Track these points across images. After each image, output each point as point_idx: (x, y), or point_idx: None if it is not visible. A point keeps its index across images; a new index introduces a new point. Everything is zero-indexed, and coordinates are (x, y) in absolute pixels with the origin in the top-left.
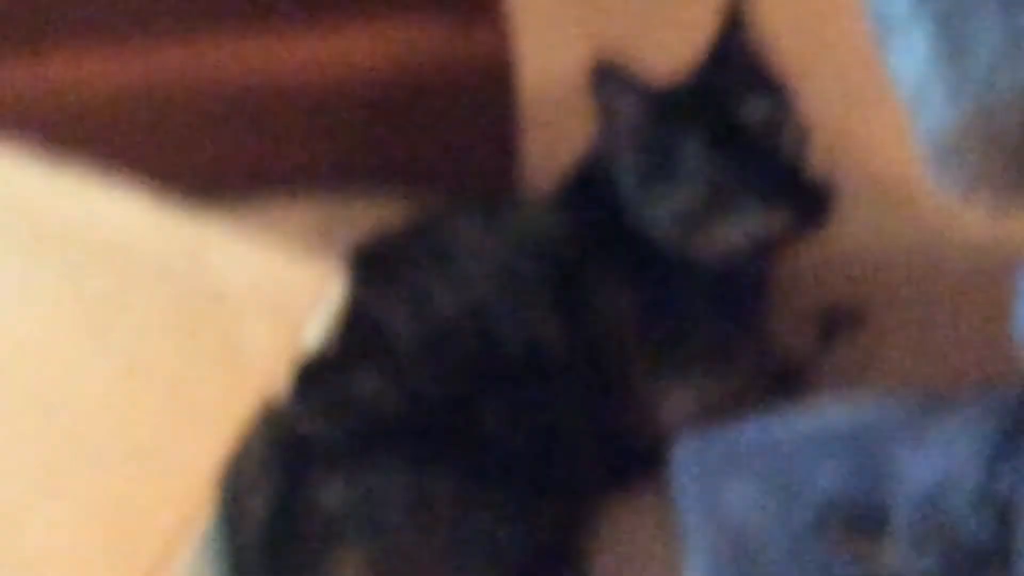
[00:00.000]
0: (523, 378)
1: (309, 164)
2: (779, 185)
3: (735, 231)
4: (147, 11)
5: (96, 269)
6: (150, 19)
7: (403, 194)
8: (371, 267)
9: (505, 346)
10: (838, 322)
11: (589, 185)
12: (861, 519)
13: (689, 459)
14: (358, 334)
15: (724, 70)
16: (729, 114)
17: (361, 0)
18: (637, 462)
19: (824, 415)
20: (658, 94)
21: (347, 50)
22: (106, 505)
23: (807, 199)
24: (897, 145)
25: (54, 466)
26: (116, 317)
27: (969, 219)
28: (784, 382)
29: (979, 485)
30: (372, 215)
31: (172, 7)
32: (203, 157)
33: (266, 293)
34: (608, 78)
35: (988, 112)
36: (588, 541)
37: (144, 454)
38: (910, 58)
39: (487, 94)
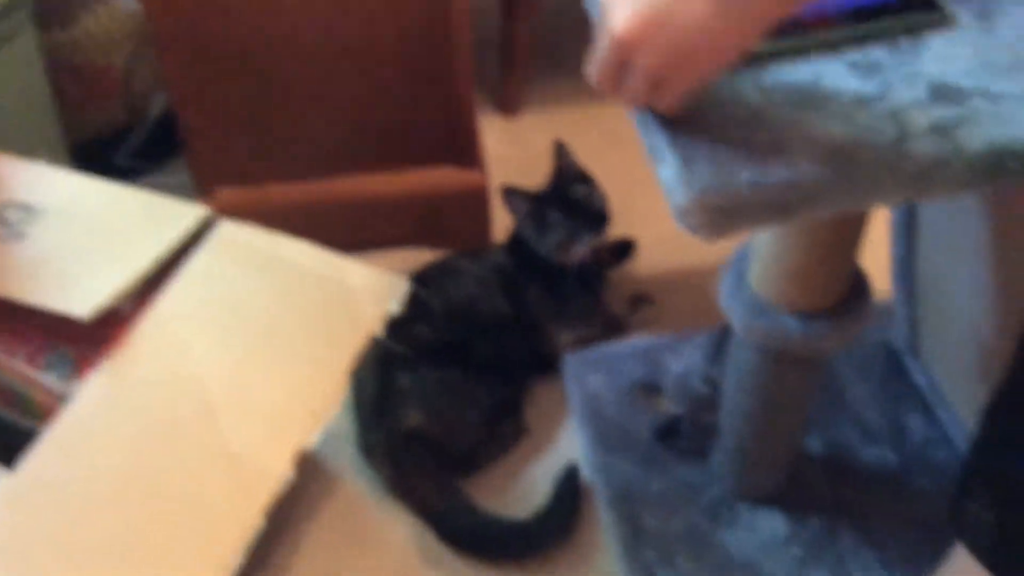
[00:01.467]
0: (491, 327)
1: (384, 238)
2: (596, 224)
3: (581, 247)
4: (314, 163)
5: (290, 279)
6: (316, 166)
7: (430, 251)
8: (421, 279)
9: (484, 314)
10: (639, 301)
11: (516, 242)
12: (650, 387)
13: (572, 364)
14: (415, 309)
15: (561, 176)
16: (568, 196)
17: (408, 156)
18: (547, 365)
19: (632, 343)
20: (534, 196)
21: (401, 183)
22: (287, 389)
23: (605, 223)
24: (662, 224)
25: (255, 361)
26: (299, 303)
27: (702, 249)
28: (614, 330)
29: (703, 371)
30: (412, 261)
31: (326, 161)
32: (337, 235)
33: (372, 289)
34: (510, 193)
35: (703, 196)
36: (523, 403)
37: (312, 364)
38: (665, 168)
39: (474, 205)
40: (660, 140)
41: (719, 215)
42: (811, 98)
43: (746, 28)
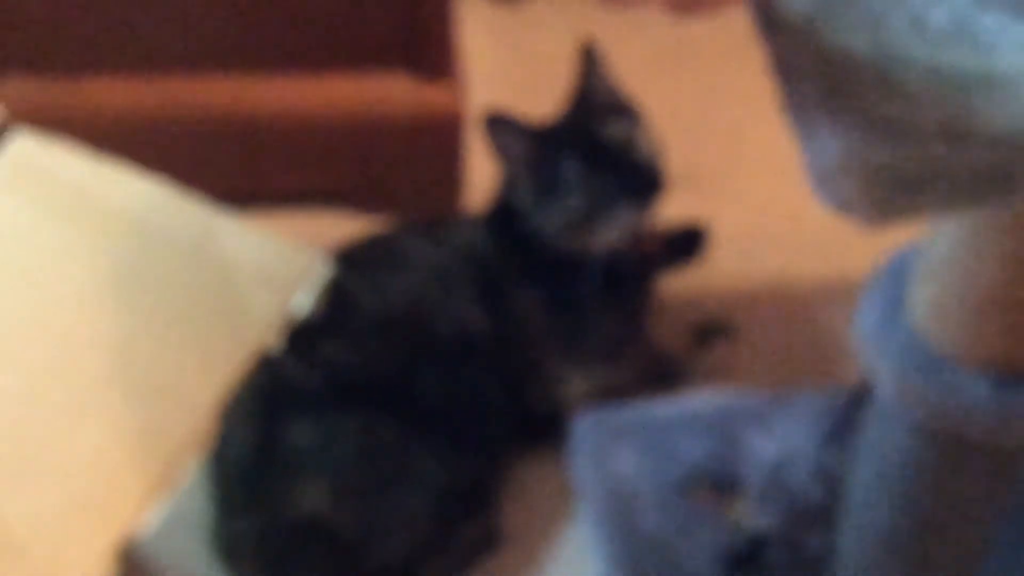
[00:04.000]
0: (453, 354)
1: (288, 189)
2: (643, 187)
3: (613, 226)
4: (171, 47)
5: (125, 238)
6: (174, 53)
7: (368, 213)
8: (347, 264)
9: (440, 329)
10: (710, 331)
11: (503, 210)
12: (719, 482)
13: (585, 430)
14: (335, 312)
15: (586, 103)
16: (594, 138)
17: (333, 53)
18: (540, 429)
19: (692, 402)
20: (539, 131)
21: (318, 97)
22: (127, 427)
23: (657, 187)
24: (757, 199)
25: (52, 388)
26: (141, 281)
27: (816, 254)
28: (663, 377)
29: (814, 462)
30: (331, 233)
31: (192, 47)
32: (211, 177)
33: (266, 269)
34: (499, 124)
35: (870, 151)
36: (499, 490)
37: (148, 397)
38: (801, 99)
39: (438, 142)
40: (803, 51)
41: (893, 187)
42: None
43: None
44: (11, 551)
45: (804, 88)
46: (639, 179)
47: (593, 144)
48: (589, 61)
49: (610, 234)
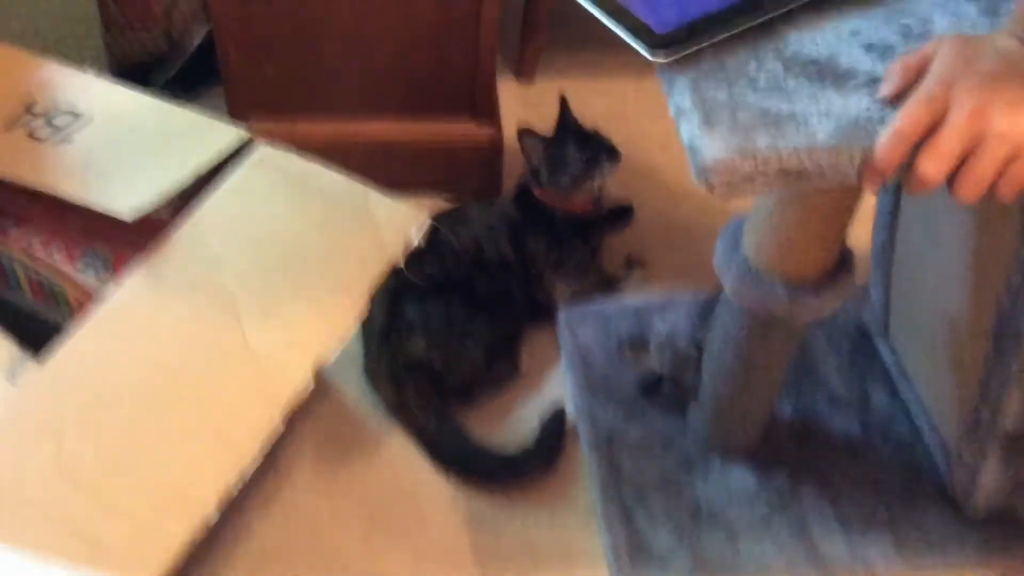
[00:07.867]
0: (495, 270)
1: (402, 183)
2: (612, 153)
3: (599, 177)
4: (344, 103)
5: (319, 203)
6: (346, 107)
7: (448, 196)
8: (438, 220)
9: (488, 256)
10: (633, 263)
11: (523, 193)
12: (637, 345)
13: (566, 315)
14: (431, 245)
15: (565, 121)
16: (581, 133)
17: (431, 106)
18: (544, 314)
19: (622, 300)
20: (545, 137)
21: (422, 131)
22: (311, 305)
23: (617, 153)
24: (664, 186)
25: (283, 276)
26: (326, 226)
27: (694, 220)
28: (607, 288)
29: (689, 332)
30: (437, 204)
31: (356, 103)
32: (359, 175)
33: (395, 220)
34: (527, 134)
35: (724, 157)
36: (520, 344)
37: (335, 285)
38: (690, 128)
39: (489, 158)
40: (686, 101)
41: (736, 176)
42: (828, 73)
43: None
44: (251, 363)
45: (692, 118)
46: (610, 150)
47: (580, 137)
48: (565, 102)
49: (599, 182)
